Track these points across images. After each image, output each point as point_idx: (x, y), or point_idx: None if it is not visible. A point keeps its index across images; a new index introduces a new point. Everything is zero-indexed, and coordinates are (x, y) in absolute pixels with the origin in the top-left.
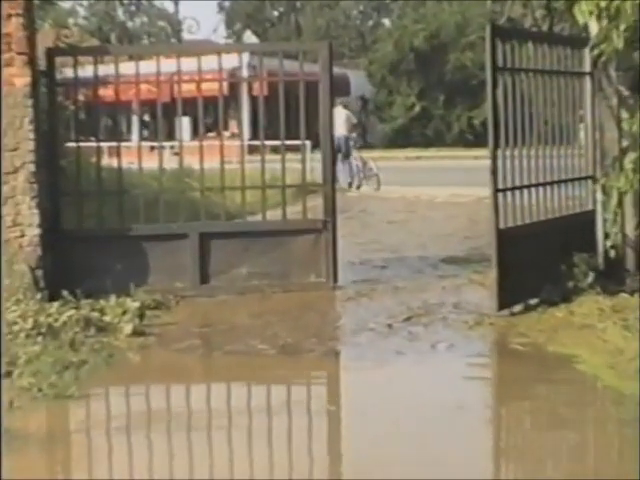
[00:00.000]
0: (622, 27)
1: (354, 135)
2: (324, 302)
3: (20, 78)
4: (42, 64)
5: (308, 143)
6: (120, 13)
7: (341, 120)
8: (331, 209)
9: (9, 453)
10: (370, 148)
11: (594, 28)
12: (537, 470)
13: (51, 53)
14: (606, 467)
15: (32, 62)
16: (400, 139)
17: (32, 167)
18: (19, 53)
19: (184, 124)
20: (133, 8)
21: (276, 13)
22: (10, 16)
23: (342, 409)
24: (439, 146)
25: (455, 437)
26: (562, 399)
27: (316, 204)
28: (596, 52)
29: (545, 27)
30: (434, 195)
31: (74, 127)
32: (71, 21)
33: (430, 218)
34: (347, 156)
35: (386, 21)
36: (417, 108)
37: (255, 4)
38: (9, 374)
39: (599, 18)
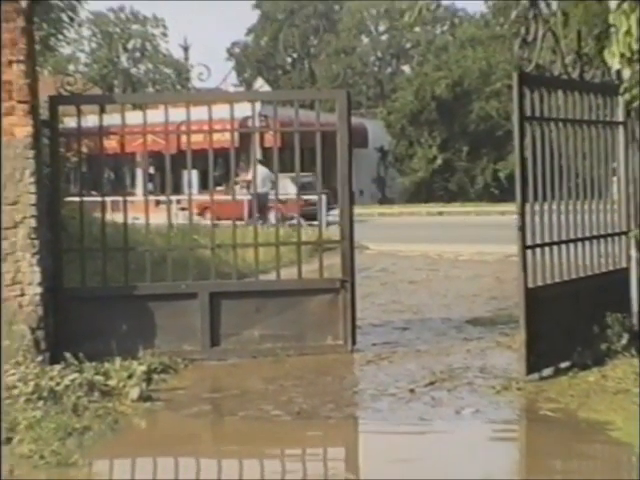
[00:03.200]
0: None
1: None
2: (342, 366)
3: (21, 128)
4: (44, 113)
5: (324, 197)
6: (124, 60)
7: (261, 177)
8: (349, 267)
9: None
10: (389, 203)
11: (627, 74)
12: None
13: (53, 102)
14: None
15: (34, 111)
16: (421, 193)
17: (33, 222)
18: (20, 102)
19: (192, 177)
20: (138, 54)
21: (289, 59)
22: (11, 63)
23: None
24: (463, 201)
25: None
26: (596, 469)
27: (333, 262)
28: (628, 97)
29: (575, 74)
30: (458, 253)
31: (77, 180)
32: (72, 68)
33: (454, 277)
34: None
35: (406, 68)
36: (439, 160)
37: (267, 50)
38: (9, 440)
39: (631, 62)
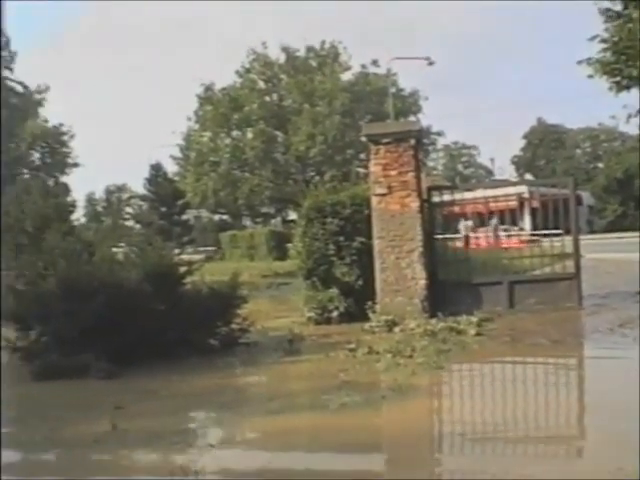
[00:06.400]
0: None
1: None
2: (575, 317)
3: (413, 203)
4: (424, 195)
5: (562, 231)
6: (460, 167)
7: (466, 226)
8: (577, 266)
9: (402, 399)
10: (594, 233)
11: None
12: None
13: (429, 189)
14: None
15: (419, 194)
16: (611, 227)
17: (421, 248)
18: (413, 190)
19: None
20: (467, 165)
21: (541, 162)
22: (407, 172)
23: (585, 370)
24: (633, 231)
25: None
26: None
27: (569, 264)
28: None
29: None
30: (631, 258)
31: (441, 227)
32: (434, 172)
33: (629, 270)
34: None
35: (599, 164)
36: (619, 211)
37: (528, 158)
38: (411, 356)
39: None
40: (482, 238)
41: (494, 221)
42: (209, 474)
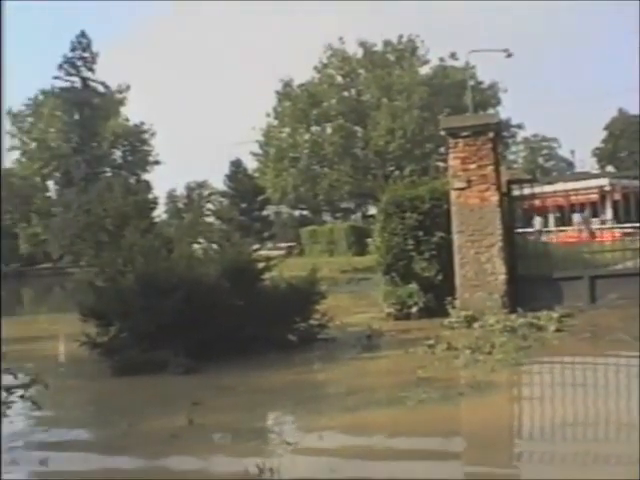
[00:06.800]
0: None
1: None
2: None
3: (493, 197)
4: (504, 188)
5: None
6: (541, 160)
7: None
8: None
9: (480, 397)
10: None
11: None
12: None
13: (508, 183)
14: None
15: (499, 188)
16: None
17: (500, 243)
18: (492, 184)
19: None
20: (547, 157)
21: (623, 154)
22: (486, 165)
23: None
24: None
25: None
26: None
27: None
28: None
29: None
30: None
31: (521, 221)
32: (515, 166)
33: None
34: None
35: None
36: None
37: (610, 149)
38: (490, 353)
39: None
40: (571, 232)
41: (585, 214)
42: (285, 472)
